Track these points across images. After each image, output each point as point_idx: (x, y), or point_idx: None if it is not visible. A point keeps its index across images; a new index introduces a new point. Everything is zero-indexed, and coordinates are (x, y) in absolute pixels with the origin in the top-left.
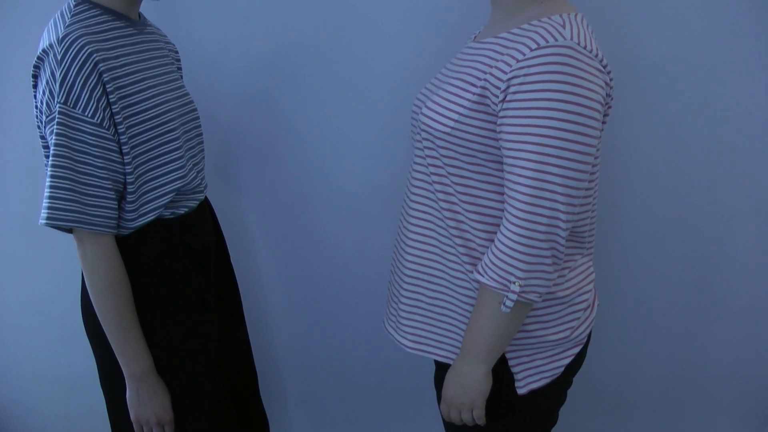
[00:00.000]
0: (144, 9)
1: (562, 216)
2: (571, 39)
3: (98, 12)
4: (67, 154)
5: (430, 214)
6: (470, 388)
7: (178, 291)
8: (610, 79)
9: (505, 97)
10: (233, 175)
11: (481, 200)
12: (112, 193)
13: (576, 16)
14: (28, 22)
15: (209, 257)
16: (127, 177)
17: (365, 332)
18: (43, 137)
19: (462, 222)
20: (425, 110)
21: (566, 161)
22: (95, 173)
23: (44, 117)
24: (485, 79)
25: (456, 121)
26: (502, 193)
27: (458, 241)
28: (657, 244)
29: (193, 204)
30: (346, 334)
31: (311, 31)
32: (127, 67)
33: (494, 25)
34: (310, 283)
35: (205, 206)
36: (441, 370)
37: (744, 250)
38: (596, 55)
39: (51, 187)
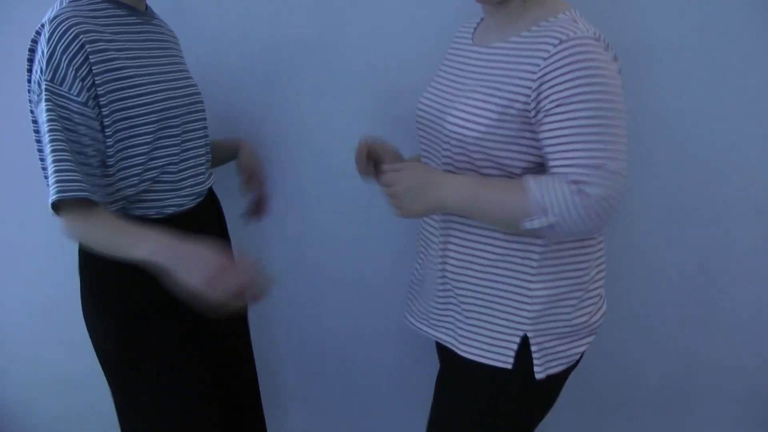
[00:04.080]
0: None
1: (619, 194)
2: (587, 32)
3: (98, 0)
4: (59, 127)
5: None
6: (430, 196)
7: (156, 295)
8: (619, 70)
9: (538, 96)
10: (233, 174)
11: None
12: (99, 169)
13: (576, 11)
14: (29, 22)
15: None
16: (107, 160)
17: (366, 332)
18: (35, 121)
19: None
20: (451, 119)
21: (617, 143)
22: (84, 151)
23: (35, 96)
24: (513, 83)
25: (486, 125)
26: None
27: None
28: (656, 243)
29: (184, 201)
30: (347, 334)
31: (312, 30)
32: (125, 51)
33: (497, 29)
34: (310, 282)
35: (208, 204)
36: (450, 368)
37: (744, 249)
38: (607, 47)
39: (54, 161)
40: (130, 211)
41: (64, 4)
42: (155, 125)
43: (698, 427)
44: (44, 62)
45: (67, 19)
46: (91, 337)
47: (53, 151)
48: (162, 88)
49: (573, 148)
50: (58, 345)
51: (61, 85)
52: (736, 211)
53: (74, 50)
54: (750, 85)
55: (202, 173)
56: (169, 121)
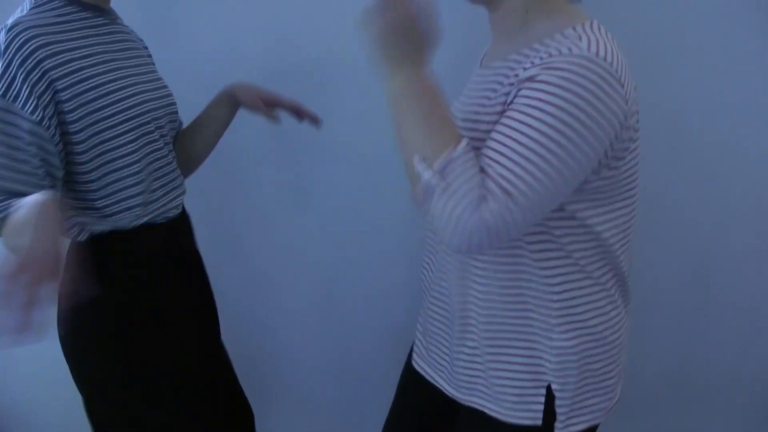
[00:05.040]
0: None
1: (512, 229)
2: (588, 50)
3: (61, 3)
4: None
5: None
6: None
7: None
8: (634, 88)
9: (511, 92)
10: (234, 172)
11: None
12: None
13: (591, 25)
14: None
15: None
16: (90, 175)
17: (366, 332)
18: None
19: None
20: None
21: (546, 162)
22: (32, 171)
23: None
24: (501, 103)
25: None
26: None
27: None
28: (656, 243)
29: (173, 206)
30: (347, 334)
31: (313, 31)
32: (92, 58)
33: (499, 47)
34: (310, 282)
35: (184, 215)
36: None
37: (744, 249)
38: (617, 68)
39: None
40: (124, 224)
41: (25, 11)
42: (138, 131)
43: (698, 427)
44: None
45: (26, 29)
46: (69, 353)
47: None
48: (139, 90)
49: (506, 155)
50: (59, 345)
51: (14, 101)
52: (736, 210)
53: (31, 65)
54: (749, 84)
55: (181, 181)
56: (152, 123)
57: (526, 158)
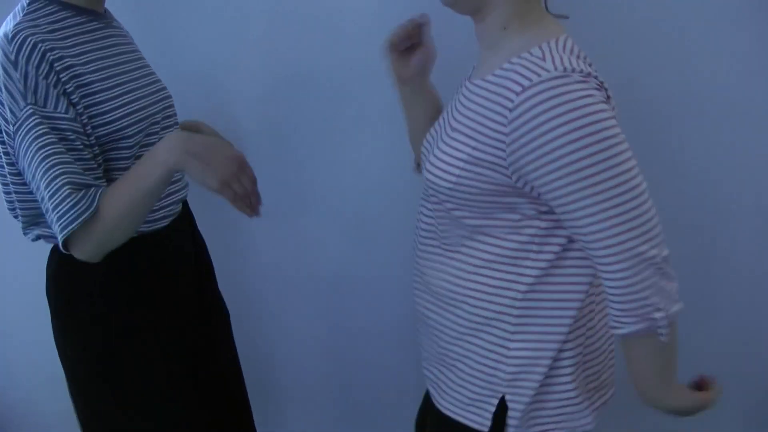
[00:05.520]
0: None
1: (654, 232)
2: (555, 69)
3: (55, 8)
4: (56, 151)
5: (443, 263)
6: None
7: (134, 315)
8: (608, 97)
9: (514, 151)
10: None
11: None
12: (100, 169)
13: (558, 41)
14: None
15: (185, 269)
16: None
17: (366, 332)
18: (6, 153)
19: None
20: (428, 165)
21: (623, 188)
22: (90, 166)
23: (11, 127)
24: (482, 133)
25: (458, 176)
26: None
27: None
28: None
29: (170, 212)
30: (347, 335)
31: (313, 33)
32: (91, 64)
33: (482, 62)
34: (310, 282)
35: (185, 212)
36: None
37: (743, 249)
38: (587, 75)
39: (52, 193)
40: None
41: (19, 18)
42: (135, 138)
43: (698, 427)
44: (20, 85)
45: (31, 35)
46: (62, 359)
47: (53, 178)
48: (136, 97)
49: (590, 233)
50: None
51: (44, 106)
52: (735, 211)
53: (45, 69)
54: (749, 84)
55: (181, 177)
56: (149, 129)
57: (611, 215)
